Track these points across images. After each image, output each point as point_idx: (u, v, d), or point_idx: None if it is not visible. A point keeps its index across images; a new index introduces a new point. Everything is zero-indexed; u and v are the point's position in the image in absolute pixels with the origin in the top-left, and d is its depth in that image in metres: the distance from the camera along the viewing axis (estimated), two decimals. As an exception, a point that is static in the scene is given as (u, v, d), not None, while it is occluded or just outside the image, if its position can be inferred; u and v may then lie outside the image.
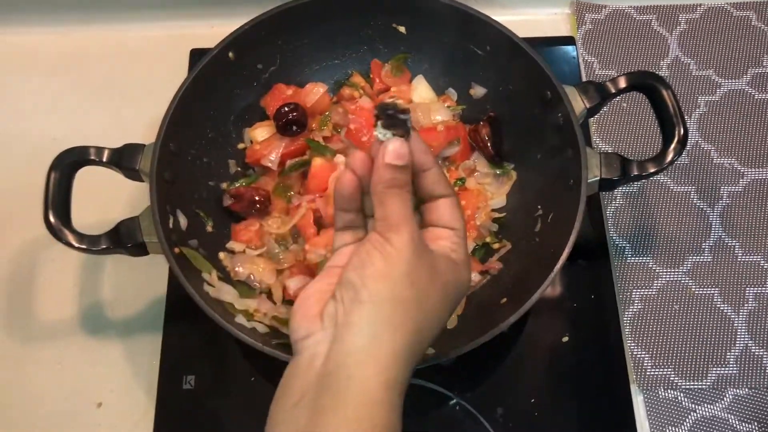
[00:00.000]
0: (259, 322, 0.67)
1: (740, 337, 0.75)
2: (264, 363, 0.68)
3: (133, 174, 0.66)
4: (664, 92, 0.66)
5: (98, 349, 0.75)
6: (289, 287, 0.69)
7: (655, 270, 0.78)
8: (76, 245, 0.63)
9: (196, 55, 0.88)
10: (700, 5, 0.92)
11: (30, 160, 0.71)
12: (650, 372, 0.73)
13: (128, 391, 0.73)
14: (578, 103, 0.67)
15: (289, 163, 0.75)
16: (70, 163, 0.64)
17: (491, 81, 0.77)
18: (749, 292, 0.77)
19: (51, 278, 0.78)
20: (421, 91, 0.80)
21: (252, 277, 0.70)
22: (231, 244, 0.73)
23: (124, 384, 0.74)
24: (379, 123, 0.46)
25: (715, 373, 0.73)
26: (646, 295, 0.77)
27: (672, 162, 0.65)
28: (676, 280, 0.77)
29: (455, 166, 0.77)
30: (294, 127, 0.74)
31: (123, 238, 0.64)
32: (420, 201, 0.50)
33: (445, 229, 0.48)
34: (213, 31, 0.89)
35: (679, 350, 0.74)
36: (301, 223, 0.71)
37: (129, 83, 0.89)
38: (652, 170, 0.65)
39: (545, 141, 0.71)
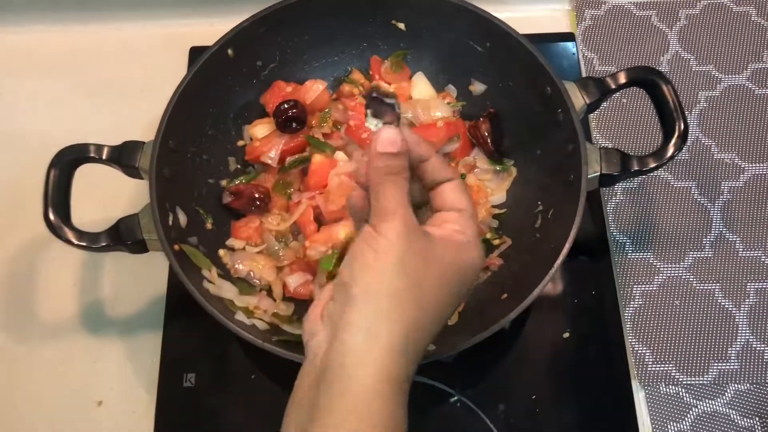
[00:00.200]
0: (259, 319, 0.67)
1: (741, 333, 0.74)
2: (264, 360, 0.68)
3: (132, 171, 0.66)
4: (665, 87, 0.66)
5: (98, 347, 0.75)
6: (289, 284, 0.70)
7: (655, 265, 0.78)
8: (76, 243, 0.62)
9: (195, 53, 0.88)
10: (700, 1, 0.92)
11: (29, 158, 0.71)
12: (651, 367, 0.73)
13: (129, 390, 0.73)
14: (578, 99, 0.67)
15: (288, 160, 0.75)
16: (69, 160, 0.64)
17: (491, 77, 0.77)
18: (750, 288, 0.77)
19: (51, 276, 0.78)
20: (420, 87, 0.80)
21: (252, 274, 0.70)
22: (231, 241, 0.73)
23: (125, 382, 0.73)
24: (368, 112, 0.46)
25: (717, 369, 0.73)
26: (647, 290, 0.77)
27: (672, 157, 0.65)
28: (677, 276, 0.77)
29: (455, 163, 0.77)
30: (294, 124, 0.74)
31: (123, 236, 0.64)
32: (427, 192, 0.50)
33: (451, 212, 0.48)
34: (212, 28, 0.88)
35: (681, 346, 0.74)
36: (300, 219, 0.71)
37: (128, 81, 0.89)
38: (652, 165, 0.65)
39: (545, 137, 0.71)
